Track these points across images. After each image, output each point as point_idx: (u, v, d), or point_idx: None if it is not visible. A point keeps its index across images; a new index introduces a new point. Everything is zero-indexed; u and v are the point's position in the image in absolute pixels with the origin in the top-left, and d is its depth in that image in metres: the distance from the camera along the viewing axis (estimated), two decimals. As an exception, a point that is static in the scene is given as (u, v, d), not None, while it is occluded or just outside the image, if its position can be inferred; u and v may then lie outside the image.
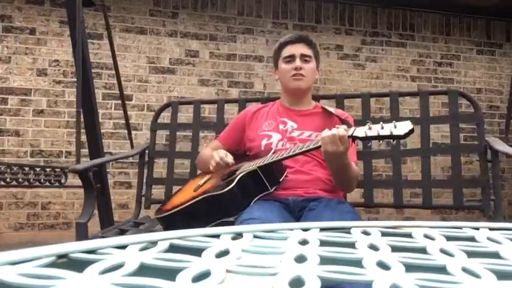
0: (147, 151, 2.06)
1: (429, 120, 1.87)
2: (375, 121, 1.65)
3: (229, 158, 1.46)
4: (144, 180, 2.01)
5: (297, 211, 1.39)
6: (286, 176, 1.44)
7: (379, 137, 1.17)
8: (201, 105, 2.21)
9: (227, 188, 1.34)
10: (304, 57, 1.59)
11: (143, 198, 2.00)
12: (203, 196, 1.39)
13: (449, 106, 1.85)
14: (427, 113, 1.85)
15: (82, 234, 1.47)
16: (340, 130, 1.23)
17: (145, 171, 2.04)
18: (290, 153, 1.37)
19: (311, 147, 1.32)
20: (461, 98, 1.88)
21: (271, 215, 1.25)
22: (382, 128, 1.16)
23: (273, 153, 1.43)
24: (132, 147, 2.41)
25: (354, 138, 1.24)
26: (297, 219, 1.37)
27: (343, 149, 1.24)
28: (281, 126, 1.58)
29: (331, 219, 1.20)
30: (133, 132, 3.37)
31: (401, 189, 1.83)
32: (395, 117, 1.85)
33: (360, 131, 1.21)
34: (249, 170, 1.39)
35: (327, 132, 1.25)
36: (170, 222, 1.47)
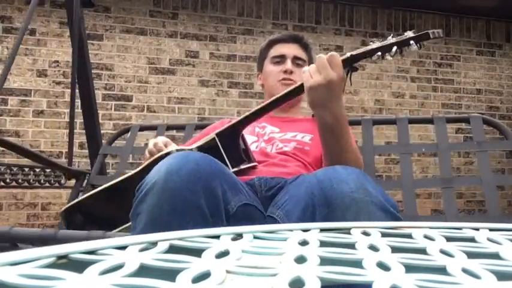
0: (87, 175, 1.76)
1: (449, 147, 1.62)
2: (382, 150, 1.41)
3: (169, 146, 1.09)
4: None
5: (264, 190, 1.02)
6: (254, 167, 1.09)
7: (387, 47, 0.94)
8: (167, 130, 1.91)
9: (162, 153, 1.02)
10: (296, 60, 1.33)
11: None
12: (134, 171, 1.06)
13: (474, 134, 1.60)
14: (444, 140, 1.60)
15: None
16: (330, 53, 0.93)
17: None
18: (263, 105, 1.04)
19: (295, 86, 1.01)
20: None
21: None
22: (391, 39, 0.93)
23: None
24: (69, 164, 1.92)
25: (354, 59, 0.95)
26: (266, 200, 1.00)
27: (335, 77, 0.90)
28: (258, 130, 1.27)
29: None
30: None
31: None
32: (405, 145, 1.64)
33: (360, 49, 0.97)
34: (204, 140, 1.08)
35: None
36: (86, 210, 1.13)
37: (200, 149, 1.05)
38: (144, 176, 0.81)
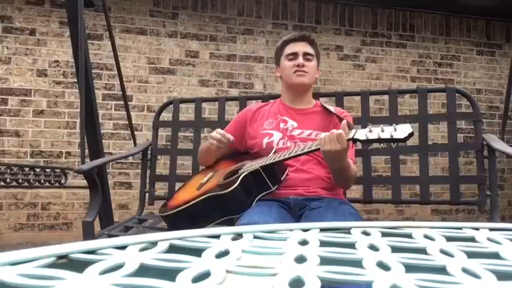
0: (149, 149, 2.11)
1: (427, 117, 1.89)
2: (374, 121, 1.69)
3: (229, 135, 1.50)
4: (147, 177, 2.06)
5: (297, 210, 1.42)
6: (287, 175, 1.46)
7: (379, 140, 1.19)
8: (202, 105, 2.22)
9: (230, 188, 1.37)
10: (306, 56, 1.61)
11: (147, 195, 2.03)
12: (206, 195, 1.42)
13: (447, 104, 1.87)
14: (425, 110, 1.88)
15: (89, 233, 1.51)
16: (338, 130, 1.26)
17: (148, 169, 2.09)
18: (291, 154, 1.39)
19: (312, 148, 1.34)
20: (461, 98, 1.90)
21: (269, 218, 1.27)
22: (383, 131, 1.18)
23: (274, 152, 1.47)
24: (135, 145, 2.37)
25: (354, 140, 1.25)
26: (297, 218, 1.39)
27: (340, 148, 1.25)
28: (282, 125, 1.61)
29: (333, 219, 1.24)
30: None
31: (400, 185, 1.87)
32: (394, 117, 1.89)
33: (361, 134, 1.23)
34: (251, 169, 1.41)
35: (325, 133, 1.30)
36: (174, 220, 1.50)
37: (249, 174, 1.40)
38: (216, 200, 1.38)
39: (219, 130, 1.55)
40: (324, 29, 3.79)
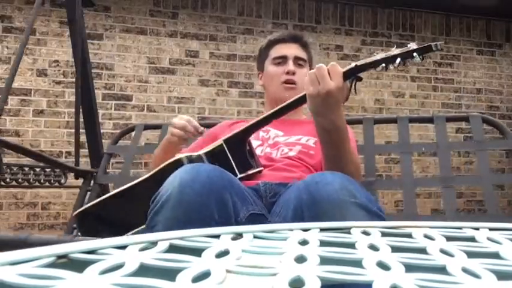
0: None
1: (448, 146, 1.59)
2: (378, 149, 1.36)
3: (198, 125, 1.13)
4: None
5: (268, 196, 1.05)
6: (259, 172, 1.11)
7: (389, 58, 0.94)
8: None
9: (157, 168, 1.02)
10: (298, 61, 1.32)
11: (75, 232, 1.51)
12: (147, 176, 1.07)
13: (473, 133, 1.59)
14: (445, 139, 1.58)
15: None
16: (330, 63, 0.96)
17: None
18: (269, 113, 1.07)
19: (298, 96, 1.03)
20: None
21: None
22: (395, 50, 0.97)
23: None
24: (77, 164, 1.88)
25: (358, 69, 0.96)
26: (269, 206, 1.03)
27: (334, 87, 0.91)
28: (262, 134, 1.27)
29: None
30: (132, 133, 3.37)
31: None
32: (405, 144, 1.63)
33: (365, 60, 0.98)
34: (212, 146, 1.08)
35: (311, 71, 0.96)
36: (83, 219, 1.13)
37: (208, 154, 1.06)
38: (157, 181, 0.87)
39: (183, 116, 1.16)
40: (324, 29, 3.79)
